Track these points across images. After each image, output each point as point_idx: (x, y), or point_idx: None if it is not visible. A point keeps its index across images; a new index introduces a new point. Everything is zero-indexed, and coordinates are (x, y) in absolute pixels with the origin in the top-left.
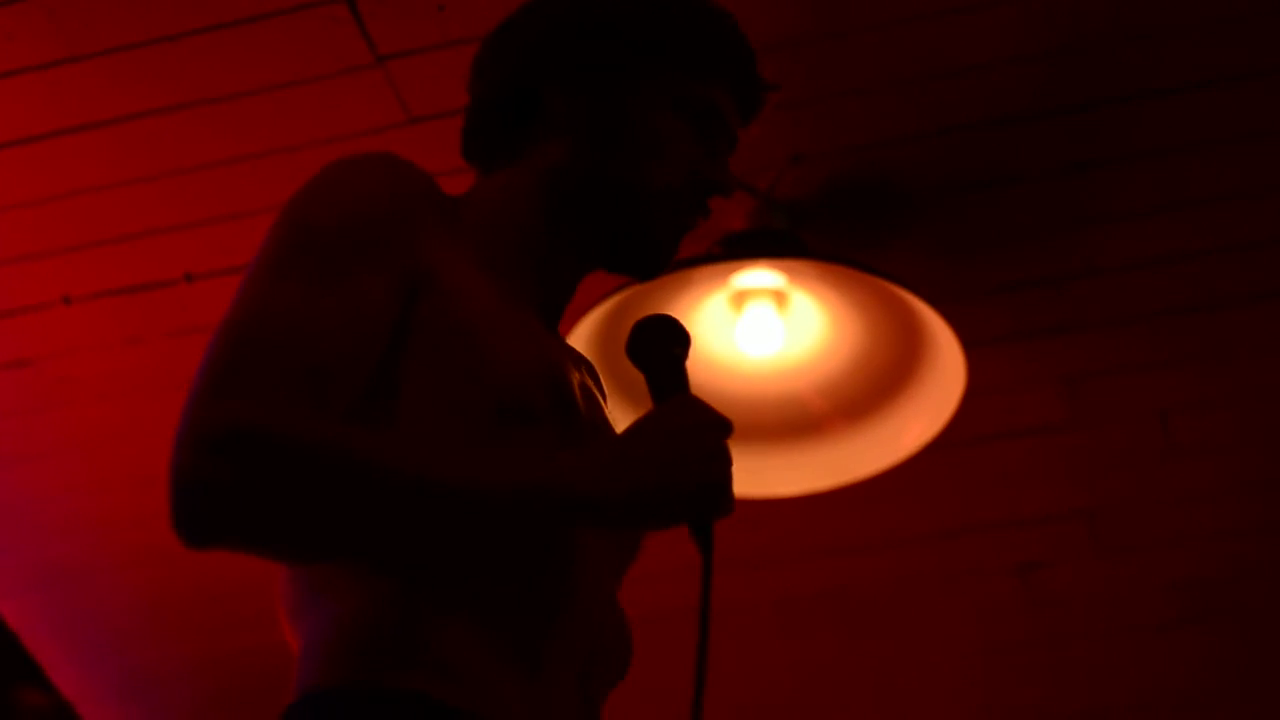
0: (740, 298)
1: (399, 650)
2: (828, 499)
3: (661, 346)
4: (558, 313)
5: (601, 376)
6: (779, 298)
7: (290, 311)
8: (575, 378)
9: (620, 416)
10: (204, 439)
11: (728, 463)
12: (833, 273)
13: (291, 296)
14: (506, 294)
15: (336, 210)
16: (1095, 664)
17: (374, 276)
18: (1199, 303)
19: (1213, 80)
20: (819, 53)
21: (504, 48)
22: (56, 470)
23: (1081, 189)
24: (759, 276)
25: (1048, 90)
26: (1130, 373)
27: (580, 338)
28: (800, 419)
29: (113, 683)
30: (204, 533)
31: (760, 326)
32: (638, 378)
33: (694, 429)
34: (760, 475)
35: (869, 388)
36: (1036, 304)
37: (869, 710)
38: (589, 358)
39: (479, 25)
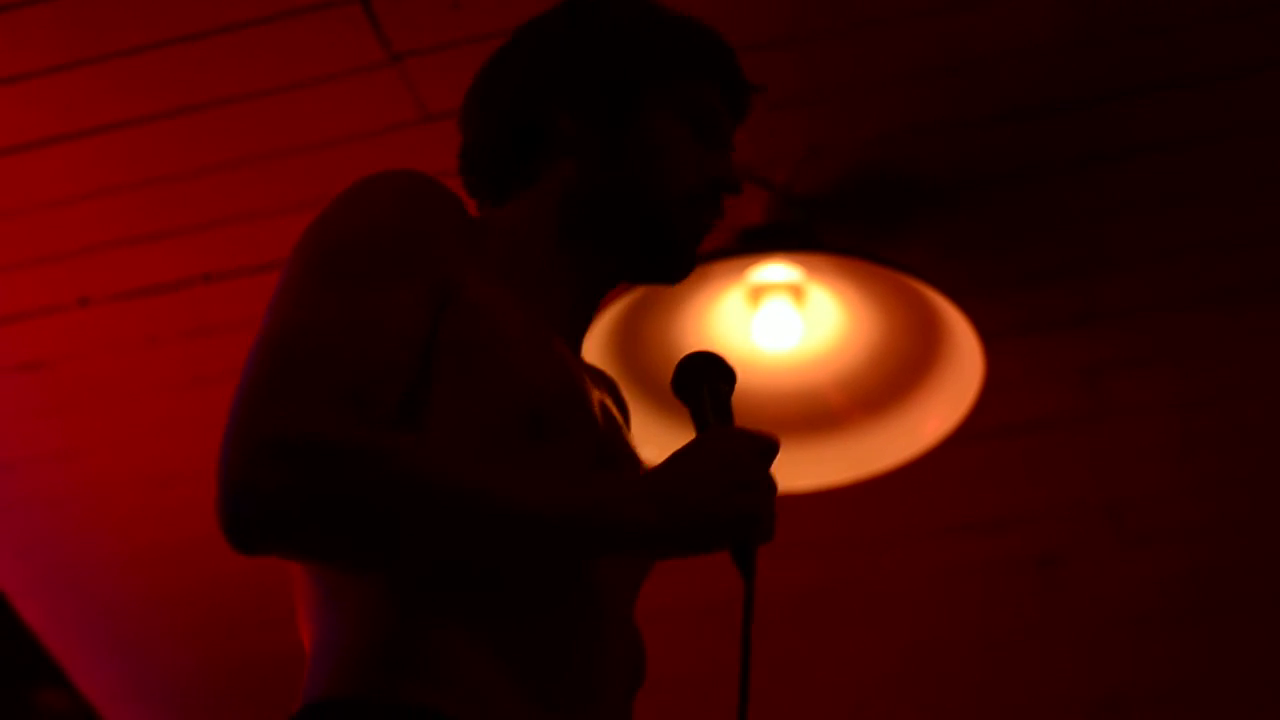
0: (757, 292)
1: (408, 663)
2: (846, 492)
3: (707, 383)
4: (580, 334)
5: (619, 376)
6: (796, 292)
7: (330, 322)
8: (595, 397)
9: (642, 424)
10: (257, 443)
11: (770, 489)
12: (850, 266)
13: (330, 308)
14: (530, 313)
15: (366, 225)
16: (1115, 655)
17: (407, 289)
18: (1218, 294)
19: (1231, 70)
20: (835, 46)
21: (502, 80)
22: (75, 471)
23: (1100, 180)
24: (776, 271)
25: (1065, 82)
26: (1150, 365)
27: (596, 337)
28: (818, 413)
29: (133, 683)
30: (256, 538)
31: (778, 321)
32: (657, 375)
33: (735, 455)
34: (778, 469)
35: (887, 381)
36: (1055, 296)
37: (889, 702)
38: (605, 357)
39: (493, 22)
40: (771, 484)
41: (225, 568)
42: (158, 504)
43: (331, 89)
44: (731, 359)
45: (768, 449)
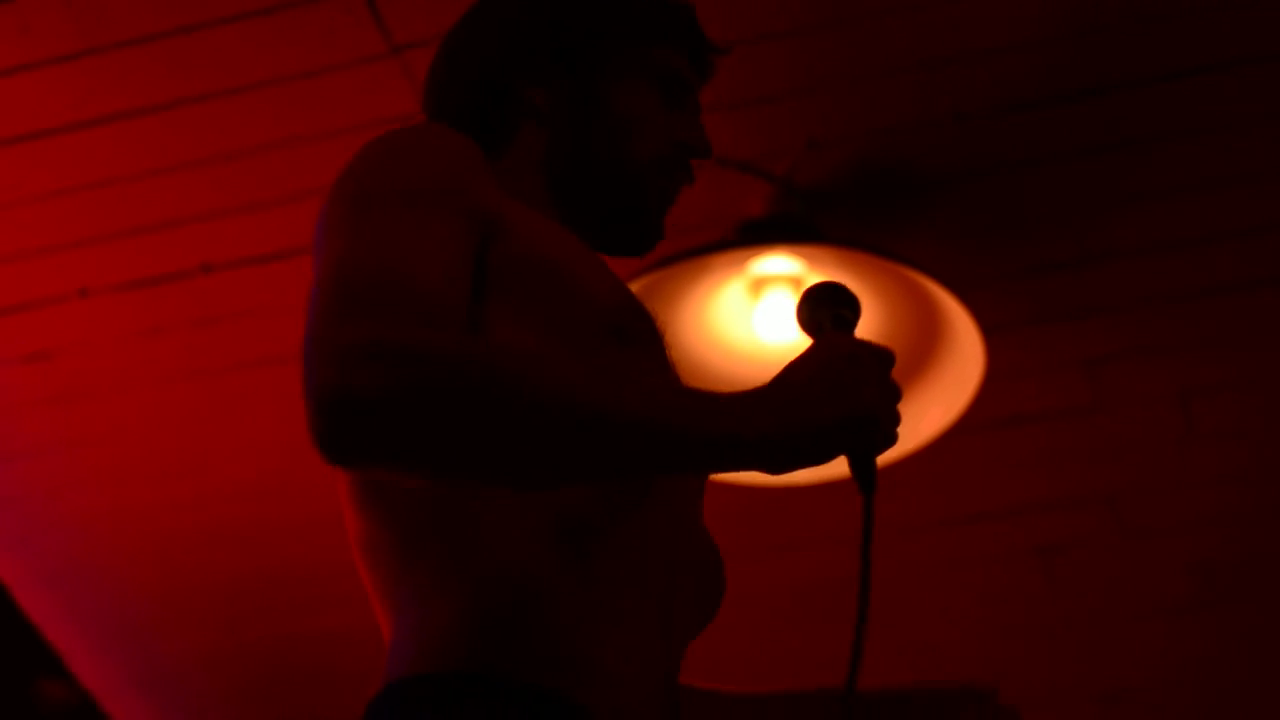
0: (758, 284)
1: (500, 636)
2: (846, 485)
3: (831, 309)
4: None
5: None
6: (797, 284)
7: (389, 249)
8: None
9: None
10: (347, 348)
11: (890, 392)
12: (850, 258)
13: (384, 238)
14: (568, 232)
15: (400, 169)
16: (1116, 647)
17: (452, 222)
18: (1219, 285)
19: (1231, 61)
20: (835, 38)
21: (465, 53)
22: (75, 462)
23: (1100, 172)
24: (777, 262)
25: (1065, 73)
26: (1151, 356)
27: None
28: None
29: (134, 674)
30: (354, 448)
31: (778, 312)
32: None
33: (850, 358)
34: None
35: None
36: (1056, 288)
37: None
38: None
39: None
40: (893, 389)
41: (226, 558)
42: (159, 495)
43: (332, 80)
44: (732, 351)
45: (885, 356)
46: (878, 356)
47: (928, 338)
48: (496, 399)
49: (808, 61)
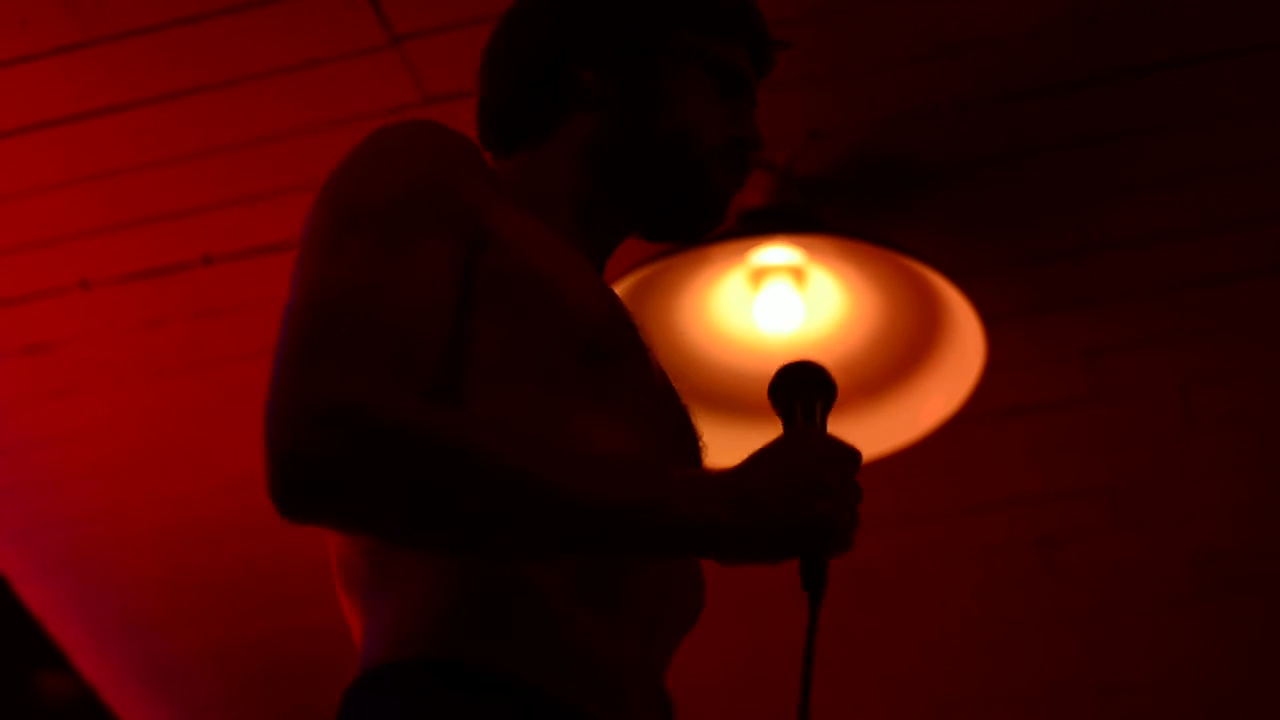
0: (758, 274)
1: (478, 623)
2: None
3: (801, 396)
4: (600, 268)
5: None
6: (797, 274)
7: (365, 282)
8: (637, 320)
9: None
10: (306, 410)
11: (849, 496)
12: (851, 248)
13: (360, 267)
14: (562, 240)
15: (386, 179)
16: (1115, 638)
17: (436, 241)
18: (1220, 275)
19: (1231, 50)
20: (836, 28)
21: (522, 32)
22: (76, 455)
23: (1100, 161)
24: (777, 253)
25: (1066, 63)
26: (1151, 346)
27: None
28: None
29: (135, 667)
30: (306, 506)
31: (779, 303)
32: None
33: (815, 459)
34: None
35: (888, 364)
36: (1056, 278)
37: (889, 685)
38: None
39: (494, 4)
40: (853, 493)
41: (227, 551)
42: (160, 488)
43: (332, 71)
44: (732, 342)
45: (850, 457)
46: (844, 457)
47: (928, 328)
48: (443, 479)
49: (808, 52)
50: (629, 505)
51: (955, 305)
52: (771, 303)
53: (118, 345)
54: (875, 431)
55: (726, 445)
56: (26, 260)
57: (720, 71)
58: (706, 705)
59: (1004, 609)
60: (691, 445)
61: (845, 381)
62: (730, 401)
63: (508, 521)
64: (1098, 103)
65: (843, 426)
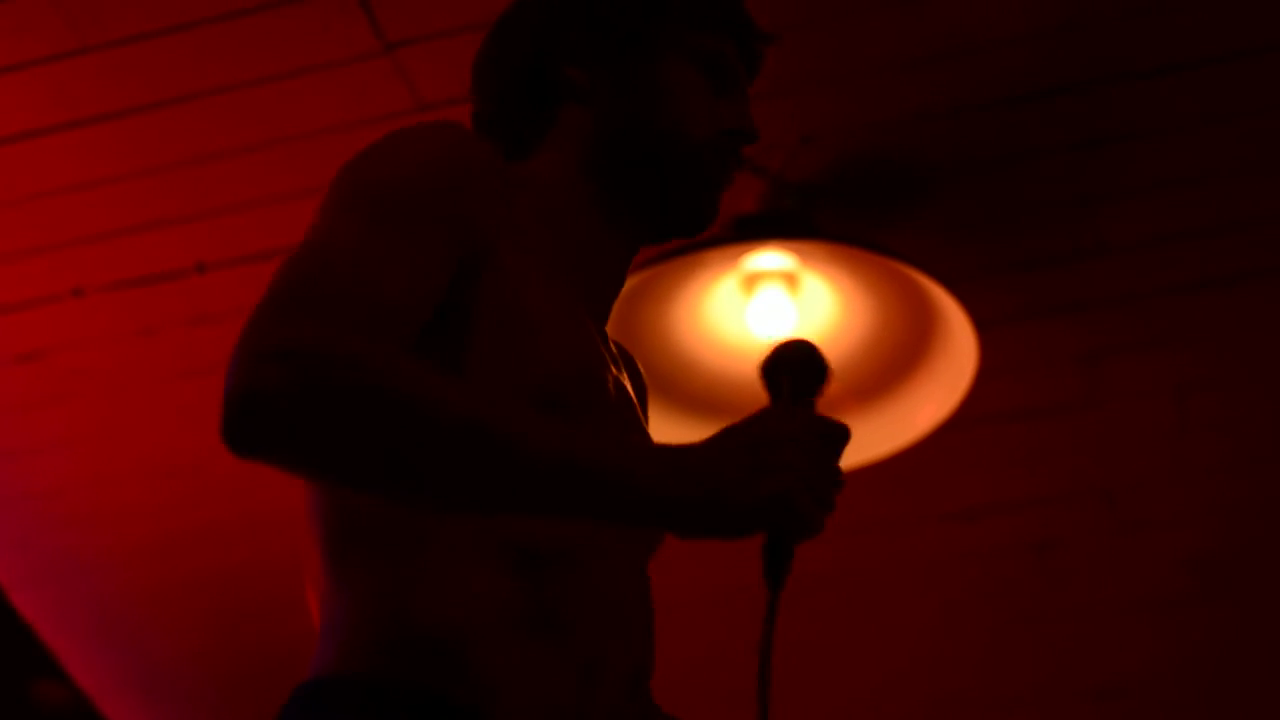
0: (751, 280)
1: (414, 642)
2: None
3: (791, 374)
4: (607, 306)
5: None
6: (790, 279)
7: (352, 251)
8: (611, 374)
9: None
10: (260, 349)
11: (813, 477)
12: (844, 254)
13: (352, 238)
14: (560, 283)
15: (399, 167)
16: (1111, 640)
17: (433, 231)
18: (1214, 279)
19: (1225, 55)
20: (828, 33)
21: (510, 34)
22: (69, 462)
23: (1094, 166)
24: (770, 258)
25: (1059, 67)
26: (1146, 350)
27: None
28: None
29: (130, 674)
30: (250, 440)
31: (772, 308)
32: (651, 363)
33: (785, 439)
34: None
35: (881, 368)
36: (1050, 282)
37: (885, 689)
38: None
39: (486, 11)
40: (822, 474)
41: (221, 558)
42: (154, 495)
43: (325, 78)
44: (726, 347)
45: (831, 434)
46: (818, 436)
47: (922, 332)
48: (390, 412)
49: (800, 56)
50: (576, 463)
51: (948, 310)
52: (765, 308)
53: (111, 353)
54: (869, 436)
55: None
56: (20, 268)
57: (708, 63)
58: (707, 705)
59: (1000, 612)
60: None
61: (839, 386)
62: (723, 407)
63: (456, 471)
64: (1090, 107)
65: None
